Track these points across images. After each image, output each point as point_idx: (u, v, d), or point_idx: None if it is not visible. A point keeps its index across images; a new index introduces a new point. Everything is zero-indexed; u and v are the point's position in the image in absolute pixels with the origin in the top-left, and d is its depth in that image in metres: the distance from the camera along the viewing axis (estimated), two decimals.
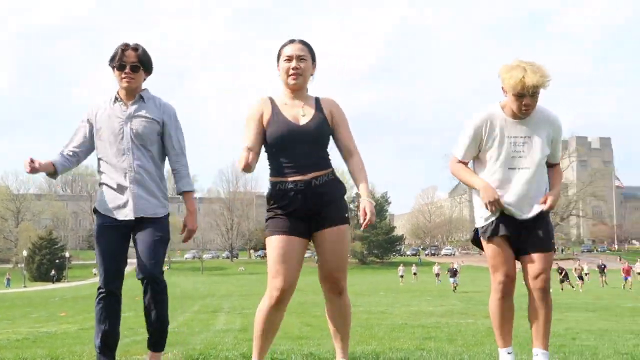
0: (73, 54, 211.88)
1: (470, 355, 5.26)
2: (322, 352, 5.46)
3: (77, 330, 10.65)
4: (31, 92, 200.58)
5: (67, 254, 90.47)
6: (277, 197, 4.02)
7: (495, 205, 4.22)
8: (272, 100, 4.12)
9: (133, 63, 4.51)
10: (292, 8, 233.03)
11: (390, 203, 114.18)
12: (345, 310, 4.19)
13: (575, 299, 22.85)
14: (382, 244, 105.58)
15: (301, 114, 4.05)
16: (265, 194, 4.17)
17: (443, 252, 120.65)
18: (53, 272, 79.94)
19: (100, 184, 4.63)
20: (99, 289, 4.51)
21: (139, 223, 4.52)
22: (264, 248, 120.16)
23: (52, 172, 4.57)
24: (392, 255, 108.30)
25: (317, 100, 4.17)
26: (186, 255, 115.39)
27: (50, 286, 67.59)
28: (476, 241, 4.54)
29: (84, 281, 77.51)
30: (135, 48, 4.54)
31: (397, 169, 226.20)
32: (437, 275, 52.05)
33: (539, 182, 4.35)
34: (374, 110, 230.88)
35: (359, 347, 6.05)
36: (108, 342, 4.51)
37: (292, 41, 4.13)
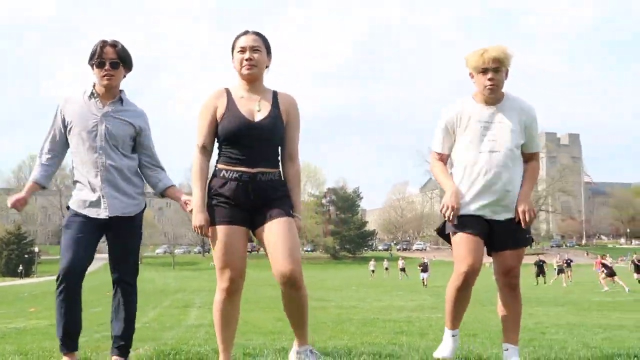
0: (39, 47, 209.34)
1: None
2: None
3: (47, 325, 10.56)
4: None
5: (36, 249, 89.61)
6: (220, 185, 3.99)
7: (451, 212, 4.25)
8: (228, 93, 4.07)
9: (112, 60, 4.45)
10: (264, 6, 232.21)
11: (362, 198, 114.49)
12: (303, 301, 4.02)
13: (545, 293, 23.07)
14: (354, 239, 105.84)
15: (256, 109, 4.01)
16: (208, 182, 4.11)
17: (415, 247, 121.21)
18: (20, 267, 79.02)
19: (74, 182, 4.60)
20: (59, 279, 4.37)
21: (114, 222, 4.48)
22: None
23: (41, 188, 4.59)
24: (364, 250, 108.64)
25: (274, 95, 4.12)
26: (158, 250, 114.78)
27: (18, 281, 66.87)
28: (443, 232, 4.56)
29: (54, 276, 76.54)
30: (114, 44, 4.49)
31: (368, 164, 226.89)
32: (403, 270, 52.23)
33: (513, 170, 4.33)
34: (347, 107, 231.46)
35: (331, 342, 6.06)
36: (70, 333, 4.47)
37: (245, 32, 4.08)
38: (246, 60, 3.98)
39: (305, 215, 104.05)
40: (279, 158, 4.13)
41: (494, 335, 6.69)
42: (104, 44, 4.47)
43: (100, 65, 4.44)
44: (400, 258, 57.98)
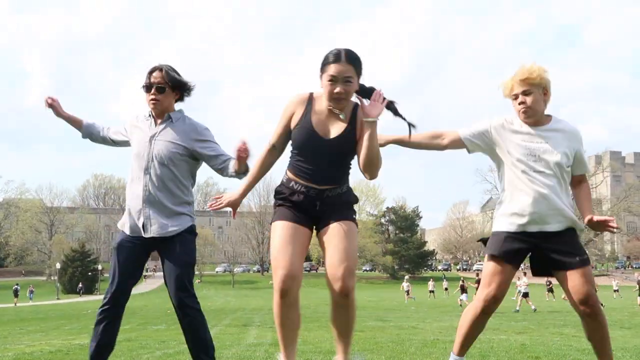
0: (107, 68, 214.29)
1: None
2: None
3: None
4: (66, 104, 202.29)
5: (99, 267, 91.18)
6: (287, 193, 4.01)
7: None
8: (310, 101, 4.00)
9: (159, 84, 4.56)
10: (319, 18, 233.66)
11: (421, 218, 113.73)
12: (350, 315, 4.00)
13: (609, 315, 22.49)
14: (413, 259, 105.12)
15: (332, 126, 3.95)
16: (276, 186, 4.14)
17: (475, 267, 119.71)
18: (80, 285, 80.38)
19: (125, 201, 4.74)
20: (104, 301, 4.56)
21: (163, 241, 4.54)
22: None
23: (78, 126, 4.76)
24: (423, 270, 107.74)
25: (355, 108, 4.01)
26: (217, 269, 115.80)
27: (82, 298, 68.13)
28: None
29: None
30: (161, 69, 4.58)
31: (428, 183, 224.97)
32: (432, 292, 51.69)
33: (558, 190, 4.26)
34: (402, 123, 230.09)
35: None
36: (103, 354, 4.60)
37: (338, 58, 3.86)
38: (336, 93, 3.86)
39: (364, 235, 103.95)
40: (349, 172, 4.11)
41: (557, 359, 6.55)
42: (153, 69, 4.59)
43: (148, 89, 4.57)
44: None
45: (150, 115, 4.68)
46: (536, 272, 4.43)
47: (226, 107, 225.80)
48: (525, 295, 28.66)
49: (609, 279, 67.33)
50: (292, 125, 3.99)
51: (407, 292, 44.85)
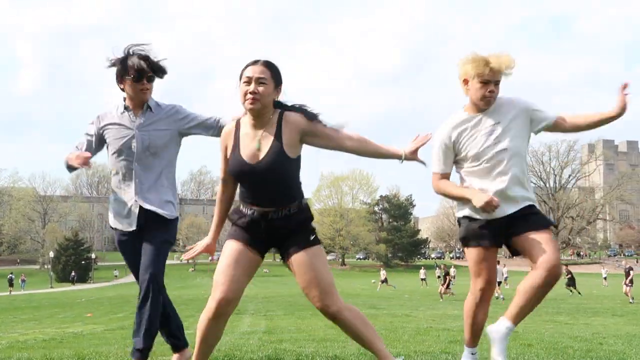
0: (97, 55, 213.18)
1: None
2: (347, 355, 5.44)
3: (103, 331, 10.71)
4: (58, 94, 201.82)
5: (92, 255, 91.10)
6: (237, 218, 3.93)
7: (492, 205, 4.07)
8: (237, 128, 3.91)
9: (149, 74, 4.54)
10: (313, 12, 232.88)
11: (414, 206, 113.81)
12: (355, 323, 3.91)
13: (601, 303, 22.61)
14: (406, 247, 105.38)
15: (257, 148, 3.81)
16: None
17: None
18: (73, 273, 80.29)
19: (112, 194, 4.74)
20: (140, 290, 4.59)
21: (148, 226, 4.61)
22: None
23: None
24: (416, 258, 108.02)
25: (279, 122, 3.84)
26: (211, 257, 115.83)
27: (76, 287, 68.11)
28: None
29: (109, 282, 78.01)
30: (146, 57, 4.55)
31: (422, 172, 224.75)
32: (423, 280, 51.87)
33: (521, 167, 4.27)
34: (397, 111, 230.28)
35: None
36: (172, 332, 4.90)
37: (255, 62, 3.80)
38: (250, 92, 3.73)
39: (357, 223, 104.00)
40: (295, 188, 3.92)
41: (549, 346, 6.58)
42: (139, 58, 4.52)
43: (138, 79, 4.52)
44: (452, 266, 57.47)
45: (125, 108, 4.65)
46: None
47: (219, 97, 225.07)
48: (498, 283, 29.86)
49: (601, 267, 67.53)
50: (228, 156, 3.92)
51: (384, 280, 44.73)
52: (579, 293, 32.36)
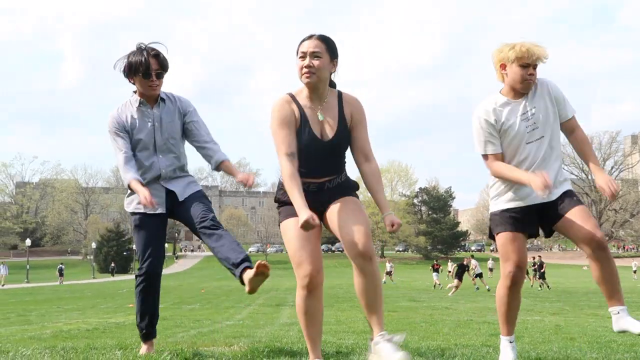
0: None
1: (538, 352, 5.17)
2: None
3: None
4: (99, 87, 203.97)
5: (133, 247, 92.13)
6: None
7: (549, 186, 4.02)
8: (296, 101, 3.95)
9: (157, 71, 4.68)
10: (348, 3, 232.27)
11: (454, 198, 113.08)
12: (376, 281, 3.89)
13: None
14: (446, 239, 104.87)
15: (325, 126, 3.95)
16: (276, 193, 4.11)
17: None
18: (112, 265, 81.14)
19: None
20: (141, 273, 4.82)
21: (178, 206, 4.79)
22: (327, 243, 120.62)
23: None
24: (456, 250, 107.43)
25: (339, 100, 4.01)
26: (250, 249, 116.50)
27: (117, 278, 68.98)
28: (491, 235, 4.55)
29: None
30: (157, 55, 4.71)
31: (461, 164, 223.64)
32: (491, 270, 51.34)
33: (556, 148, 4.36)
34: (438, 104, 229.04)
35: (424, 343, 6.01)
36: (152, 322, 4.95)
37: (310, 37, 3.91)
38: (305, 67, 3.83)
39: (396, 215, 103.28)
40: (345, 161, 4.13)
41: (592, 340, 6.51)
42: (148, 55, 4.67)
43: (147, 76, 4.66)
44: (490, 259, 57.07)
45: (141, 103, 4.78)
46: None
47: (258, 91, 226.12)
48: (479, 275, 30.71)
49: (632, 260, 66.37)
50: (295, 131, 3.91)
51: (389, 272, 44.28)
52: (548, 287, 31.73)
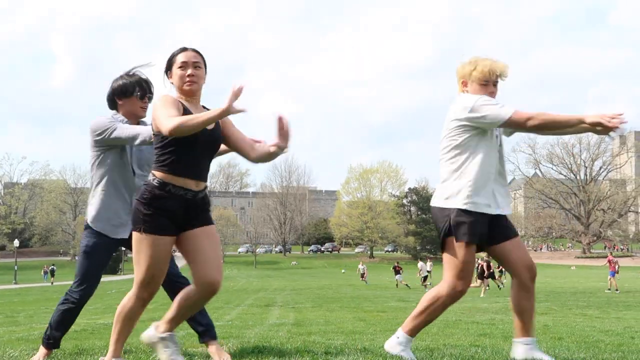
0: (129, 49, 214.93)
1: None
2: (375, 347, 5.44)
3: None
4: (90, 87, 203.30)
5: (122, 247, 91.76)
6: (163, 199, 3.87)
7: (618, 118, 4.03)
8: (182, 103, 3.99)
9: (149, 94, 4.94)
10: (343, 2, 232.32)
11: None
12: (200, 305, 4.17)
13: (633, 297, 22.36)
14: (435, 240, 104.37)
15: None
16: (145, 186, 3.93)
17: None
18: None
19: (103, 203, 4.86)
20: (74, 296, 4.85)
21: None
22: (317, 243, 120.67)
23: None
24: None
25: (207, 109, 4.11)
26: (240, 249, 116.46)
27: (106, 279, 68.74)
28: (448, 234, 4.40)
29: None
30: (147, 80, 4.93)
31: None
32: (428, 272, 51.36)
33: None
34: (429, 104, 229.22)
35: (413, 343, 5.99)
36: (63, 335, 5.01)
37: (185, 49, 4.07)
38: (188, 76, 3.98)
39: (386, 216, 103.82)
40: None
41: (580, 339, 6.53)
42: (141, 79, 4.87)
43: (142, 97, 4.87)
44: (478, 259, 57.17)
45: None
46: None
47: (250, 91, 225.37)
48: (425, 278, 32.24)
49: (633, 261, 66.69)
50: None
51: (362, 274, 43.38)
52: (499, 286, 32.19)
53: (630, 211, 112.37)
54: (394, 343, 4.62)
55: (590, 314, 12.63)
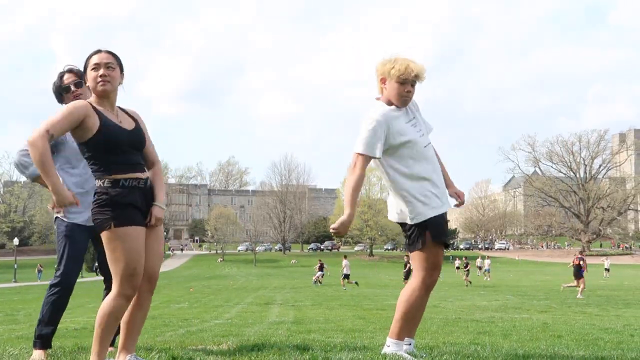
0: (129, 49, 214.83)
1: (526, 350, 5.19)
2: (375, 345, 5.45)
3: None
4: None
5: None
6: (121, 195, 3.89)
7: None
8: (93, 107, 3.97)
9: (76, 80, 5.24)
10: (344, 2, 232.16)
11: None
12: (146, 312, 4.22)
13: (632, 295, 22.37)
14: None
15: (124, 123, 4.04)
16: (99, 193, 3.94)
17: (497, 246, 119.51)
18: (96, 264, 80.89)
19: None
20: (61, 283, 4.98)
21: None
22: (316, 241, 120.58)
23: None
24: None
25: (122, 110, 4.15)
26: (239, 248, 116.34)
27: (101, 277, 68.67)
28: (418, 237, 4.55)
29: None
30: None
31: (450, 162, 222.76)
32: (459, 268, 51.38)
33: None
34: (426, 101, 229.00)
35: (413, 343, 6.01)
36: (54, 331, 5.02)
37: (99, 51, 4.10)
38: (100, 77, 3.99)
39: (385, 214, 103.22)
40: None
41: (579, 337, 6.54)
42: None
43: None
44: (478, 257, 57.25)
45: None
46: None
47: (248, 91, 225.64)
48: (347, 277, 31.92)
49: (633, 259, 66.74)
50: (92, 126, 3.88)
51: (345, 276, 41.97)
52: (470, 282, 32.38)
53: (629, 209, 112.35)
54: (388, 351, 4.62)
55: (590, 312, 12.64)
